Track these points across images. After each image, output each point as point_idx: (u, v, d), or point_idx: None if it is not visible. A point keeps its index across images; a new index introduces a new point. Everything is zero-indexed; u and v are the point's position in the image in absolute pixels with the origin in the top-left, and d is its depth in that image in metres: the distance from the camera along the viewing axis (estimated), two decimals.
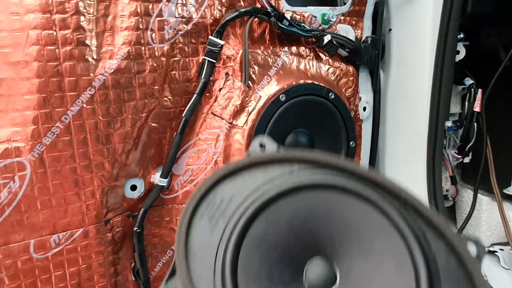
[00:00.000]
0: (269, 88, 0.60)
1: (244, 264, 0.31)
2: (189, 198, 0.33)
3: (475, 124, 0.77)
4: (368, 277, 0.33)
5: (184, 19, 0.56)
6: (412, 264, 0.32)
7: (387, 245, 0.33)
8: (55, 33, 0.48)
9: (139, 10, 0.53)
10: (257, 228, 0.33)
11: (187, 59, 0.57)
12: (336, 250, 0.35)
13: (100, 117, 0.51)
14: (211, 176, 0.34)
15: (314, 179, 0.34)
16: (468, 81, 0.78)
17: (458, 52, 0.75)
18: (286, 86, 0.59)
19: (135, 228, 0.56)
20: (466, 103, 0.78)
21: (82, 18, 0.50)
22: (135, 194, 0.57)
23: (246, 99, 0.58)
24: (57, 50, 0.49)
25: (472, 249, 0.34)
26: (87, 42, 0.50)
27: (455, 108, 0.81)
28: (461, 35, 0.74)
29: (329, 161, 0.35)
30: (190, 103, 0.56)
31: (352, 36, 0.66)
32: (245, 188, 0.35)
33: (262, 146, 0.38)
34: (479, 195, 0.80)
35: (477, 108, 0.77)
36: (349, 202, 0.34)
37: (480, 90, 0.77)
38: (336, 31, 0.66)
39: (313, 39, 0.64)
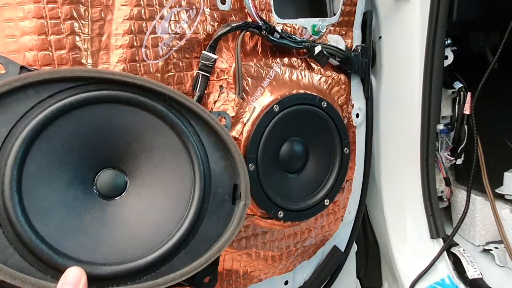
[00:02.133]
0: (263, 99, 0.61)
1: (29, 188, 0.33)
2: None
3: (466, 126, 0.79)
4: (155, 178, 0.38)
5: (177, 35, 0.57)
6: (188, 157, 0.39)
7: (166, 143, 0.39)
8: (51, 54, 0.49)
9: (133, 28, 0.54)
10: (38, 150, 0.34)
11: (182, 74, 0.58)
12: (123, 159, 0.39)
13: None
14: None
15: (89, 95, 0.37)
16: (458, 85, 0.80)
17: (446, 57, 0.77)
18: (279, 97, 0.61)
19: None
20: (456, 106, 0.80)
21: (77, 38, 0.51)
22: None
23: (241, 110, 0.59)
24: None
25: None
26: (83, 61, 0.51)
27: (446, 111, 0.83)
28: (449, 41, 0.76)
29: (88, 75, 0.38)
30: None
31: (342, 46, 0.68)
32: (19, 108, 0.35)
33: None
34: (472, 195, 0.82)
35: (467, 110, 0.78)
36: (123, 111, 0.38)
37: (469, 93, 0.79)
38: (326, 42, 0.68)
39: (304, 50, 0.65)
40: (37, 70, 0.39)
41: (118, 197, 0.39)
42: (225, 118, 0.53)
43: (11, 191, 0.31)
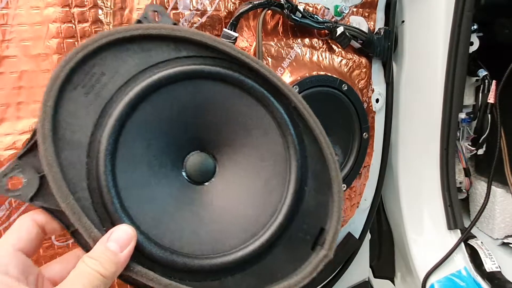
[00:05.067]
0: None
1: (124, 149, 0.29)
2: (62, 61, 0.29)
3: (489, 115, 0.77)
4: (246, 173, 0.34)
5: (198, 12, 0.56)
6: (288, 165, 0.34)
7: (268, 142, 0.34)
8: (74, 27, 0.49)
9: (155, 3, 0.53)
10: (141, 113, 0.30)
11: None
12: (219, 144, 0.35)
13: None
14: (93, 39, 0.29)
15: (204, 68, 0.32)
16: (482, 73, 0.77)
17: (471, 43, 0.74)
18: (299, 78, 0.60)
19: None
20: (480, 94, 0.78)
21: (100, 11, 0.51)
22: None
23: None
24: (76, 43, 0.50)
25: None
26: None
27: (468, 100, 0.80)
28: (475, 26, 0.73)
29: (221, 47, 0.33)
30: None
31: (364, 28, 0.66)
32: (130, 65, 0.31)
33: (156, 12, 0.34)
34: (493, 187, 0.80)
35: (491, 99, 0.76)
36: (238, 96, 0.34)
37: (494, 82, 0.76)
38: (348, 23, 0.66)
39: (326, 31, 0.64)
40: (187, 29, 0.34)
41: (207, 183, 0.35)
42: None
43: (106, 169, 0.28)
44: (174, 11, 0.55)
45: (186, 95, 0.33)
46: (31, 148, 0.29)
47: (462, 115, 0.78)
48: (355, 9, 0.67)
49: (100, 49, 0.30)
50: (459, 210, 0.79)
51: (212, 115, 0.34)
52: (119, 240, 0.27)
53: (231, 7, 0.58)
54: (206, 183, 0.35)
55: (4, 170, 0.28)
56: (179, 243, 0.31)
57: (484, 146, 0.80)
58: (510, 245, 0.78)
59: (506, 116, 0.76)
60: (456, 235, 0.79)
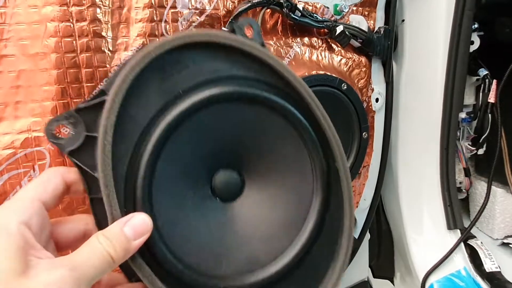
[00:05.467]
0: None
1: (170, 148, 0.30)
2: (160, 42, 0.29)
3: (489, 115, 0.77)
4: (272, 193, 0.35)
5: (197, 11, 0.56)
6: (313, 189, 0.35)
7: (296, 167, 0.35)
8: (72, 25, 0.49)
9: (153, 2, 0.53)
10: (182, 130, 0.31)
11: None
12: (246, 163, 0.35)
13: None
14: (181, 36, 0.31)
15: (248, 91, 0.33)
16: (483, 72, 0.77)
17: (472, 43, 0.74)
18: None
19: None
20: (480, 94, 0.77)
21: (98, 10, 0.51)
22: None
23: None
24: (74, 42, 0.49)
25: None
26: (103, 34, 0.51)
27: (469, 99, 0.80)
28: (475, 25, 0.73)
29: (280, 70, 0.34)
30: None
31: (364, 27, 0.66)
32: (204, 71, 0.32)
33: (247, 25, 0.35)
34: (493, 187, 0.80)
35: (491, 99, 0.76)
36: (269, 118, 0.35)
37: (494, 81, 0.76)
38: (348, 22, 0.66)
39: (325, 30, 0.63)
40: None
41: (234, 201, 0.36)
42: None
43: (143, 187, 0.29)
44: (172, 10, 0.55)
45: (221, 115, 0.34)
46: (92, 106, 0.29)
47: (462, 115, 0.78)
48: (354, 8, 0.67)
49: (191, 46, 0.32)
50: (459, 210, 0.79)
51: (242, 135, 0.35)
52: (136, 227, 0.26)
53: (230, 6, 0.58)
54: (233, 201, 0.35)
55: (58, 117, 0.29)
56: (200, 260, 0.31)
57: (485, 146, 0.80)
58: (510, 245, 0.78)
59: (506, 115, 0.76)
60: (456, 235, 0.79)
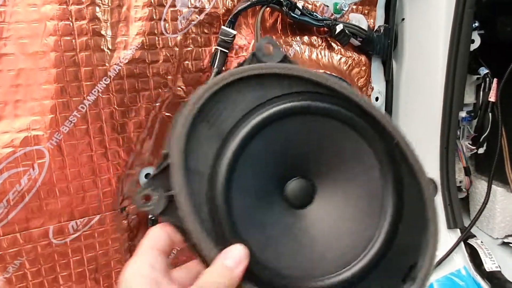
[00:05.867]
0: None
1: (238, 179, 0.33)
2: (193, 98, 0.32)
3: (490, 114, 0.76)
4: (342, 202, 0.37)
5: (196, 9, 0.56)
6: (384, 200, 0.36)
7: (365, 175, 0.36)
8: (71, 24, 0.49)
9: (152, 1, 0.53)
10: (254, 146, 0.34)
11: (200, 49, 0.57)
12: (317, 173, 0.37)
13: (115, 106, 0.52)
14: (221, 78, 0.33)
15: (311, 104, 0.35)
16: (483, 71, 0.76)
17: (473, 41, 0.74)
18: None
19: (149, 216, 0.57)
20: (481, 93, 0.77)
21: (97, 8, 0.51)
22: None
23: None
24: (73, 41, 0.50)
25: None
26: (102, 32, 0.51)
27: (469, 98, 0.80)
28: (476, 24, 0.73)
29: (331, 85, 0.36)
30: None
31: (364, 25, 0.66)
32: (248, 101, 0.34)
33: (269, 44, 0.37)
34: (493, 186, 0.79)
35: (492, 98, 0.75)
36: (341, 131, 0.36)
37: (495, 80, 0.75)
38: (348, 20, 0.66)
39: (325, 29, 0.63)
40: (295, 63, 0.37)
41: (306, 208, 0.37)
42: None
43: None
44: (172, 9, 0.55)
45: (292, 128, 0.35)
46: (162, 170, 0.33)
47: (463, 114, 0.77)
48: (354, 7, 0.66)
49: (226, 86, 0.34)
50: (459, 209, 0.79)
51: (313, 146, 0.37)
52: (235, 258, 0.30)
53: (230, 5, 0.58)
54: (305, 209, 0.37)
55: (140, 188, 0.33)
56: (280, 265, 0.33)
57: (485, 145, 0.80)
58: (510, 244, 0.78)
59: (507, 114, 0.75)
60: (456, 234, 0.78)
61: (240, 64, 0.36)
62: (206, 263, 0.31)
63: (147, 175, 0.58)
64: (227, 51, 0.57)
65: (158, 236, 0.32)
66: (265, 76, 0.35)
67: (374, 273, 0.35)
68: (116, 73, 0.52)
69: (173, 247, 0.33)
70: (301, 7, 0.59)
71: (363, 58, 0.69)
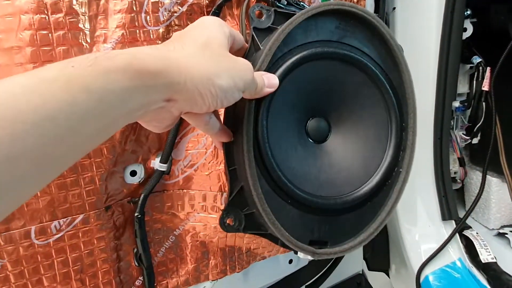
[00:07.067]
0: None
1: (271, 120, 0.40)
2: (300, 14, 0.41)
3: (484, 103, 0.75)
4: (353, 137, 0.45)
5: (179, 1, 0.54)
6: (389, 133, 0.45)
7: (374, 113, 0.45)
8: (47, 17, 0.48)
9: None
10: (286, 83, 0.41)
11: None
12: (328, 109, 0.45)
13: None
14: (323, 5, 0.42)
15: (345, 52, 0.43)
16: (476, 60, 0.75)
17: (465, 30, 0.72)
18: None
19: (136, 214, 0.55)
20: (474, 82, 0.76)
21: (74, 1, 0.49)
22: (135, 180, 0.57)
23: None
24: (50, 35, 0.48)
25: None
26: (80, 26, 0.49)
27: (462, 87, 0.78)
28: (468, 12, 0.71)
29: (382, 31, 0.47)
30: None
31: None
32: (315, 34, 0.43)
33: None
34: (488, 176, 0.78)
35: (485, 87, 0.74)
36: (355, 74, 0.44)
37: (488, 69, 0.74)
38: None
39: None
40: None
41: (323, 142, 0.46)
42: None
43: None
44: (153, 0, 0.53)
45: (316, 71, 0.43)
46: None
47: (456, 104, 0.76)
48: None
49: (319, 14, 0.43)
50: (453, 201, 0.78)
51: (331, 88, 0.44)
52: (270, 78, 0.39)
53: None
54: (323, 142, 0.46)
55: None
56: (305, 184, 0.42)
57: (479, 135, 0.78)
58: (506, 235, 0.77)
59: (501, 104, 0.74)
60: (451, 226, 0.77)
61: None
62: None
63: (132, 173, 0.56)
64: None
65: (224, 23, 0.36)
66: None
67: (383, 190, 0.46)
68: None
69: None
70: None
71: None
